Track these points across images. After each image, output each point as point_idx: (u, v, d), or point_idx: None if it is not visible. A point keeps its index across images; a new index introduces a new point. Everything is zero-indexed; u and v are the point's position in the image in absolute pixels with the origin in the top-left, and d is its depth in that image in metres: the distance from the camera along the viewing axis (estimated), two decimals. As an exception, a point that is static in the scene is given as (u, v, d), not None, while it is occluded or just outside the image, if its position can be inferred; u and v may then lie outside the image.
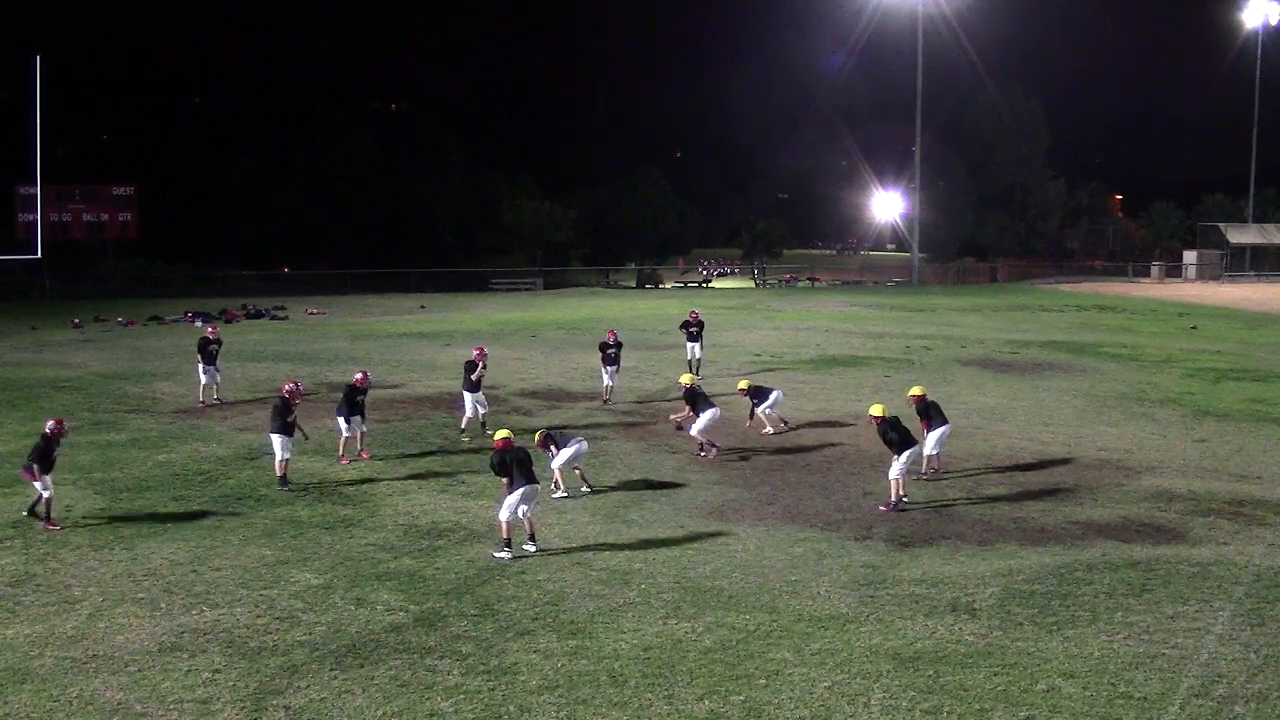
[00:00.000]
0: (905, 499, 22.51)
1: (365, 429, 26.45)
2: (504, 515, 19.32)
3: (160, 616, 16.06)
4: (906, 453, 22.58)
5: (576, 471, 23.38)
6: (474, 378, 28.89)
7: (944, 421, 24.78)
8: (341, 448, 25.91)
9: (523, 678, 14.06)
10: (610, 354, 34.12)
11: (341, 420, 25.84)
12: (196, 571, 18.03)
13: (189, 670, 14.22)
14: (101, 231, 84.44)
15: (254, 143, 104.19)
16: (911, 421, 24.14)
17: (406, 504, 22.28)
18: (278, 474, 23.53)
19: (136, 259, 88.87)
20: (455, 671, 14.24)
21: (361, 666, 14.36)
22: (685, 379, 29.32)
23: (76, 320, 56.71)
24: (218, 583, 17.50)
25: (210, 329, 35.20)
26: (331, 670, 14.23)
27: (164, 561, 18.53)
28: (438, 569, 18.32)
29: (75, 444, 26.42)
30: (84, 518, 21.07)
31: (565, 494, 22.87)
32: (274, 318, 62.90)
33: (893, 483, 22.55)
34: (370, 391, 33.27)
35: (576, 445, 23.21)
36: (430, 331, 53.38)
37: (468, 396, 28.94)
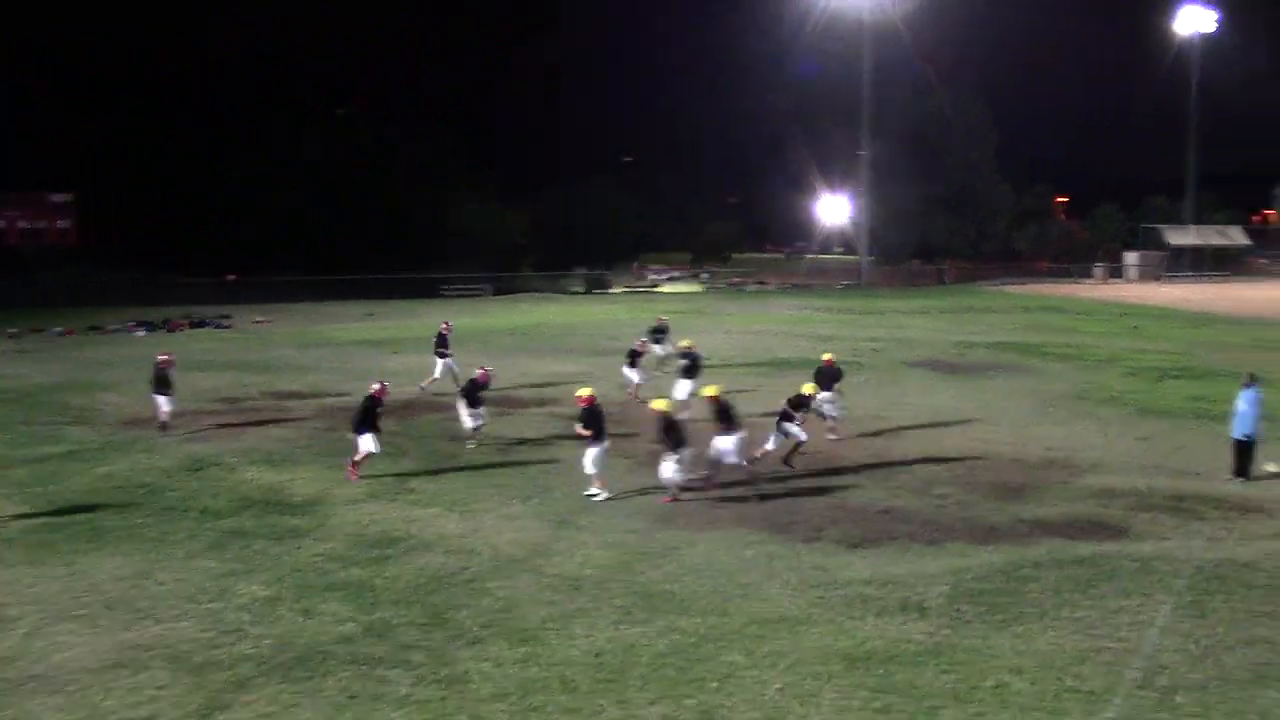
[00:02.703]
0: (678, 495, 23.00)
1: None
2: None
3: (101, 633, 15.81)
4: (680, 453, 22.87)
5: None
6: (479, 394, 28.72)
7: (738, 427, 24.30)
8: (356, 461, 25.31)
9: (474, 686, 13.99)
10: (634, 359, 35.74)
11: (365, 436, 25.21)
12: (139, 586, 17.80)
13: (132, 688, 14.00)
14: (39, 239, 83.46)
15: (200, 148, 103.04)
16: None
17: (355, 513, 22.10)
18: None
19: (76, 267, 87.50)
20: (406, 681, 14.13)
21: (310, 678, 14.23)
22: (711, 391, 26.50)
23: (12, 331, 55.98)
24: (162, 597, 17.28)
25: (163, 358, 32.11)
26: (280, 683, 14.09)
27: (105, 576, 18.26)
28: (387, 578, 18.18)
29: (9, 457, 26.21)
30: (21, 533, 20.75)
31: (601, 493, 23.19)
32: (218, 326, 62.44)
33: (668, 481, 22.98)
34: (318, 400, 33.20)
35: (602, 445, 23.48)
36: (379, 339, 53.22)
37: (466, 408, 28.60)
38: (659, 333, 41.95)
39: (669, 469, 22.77)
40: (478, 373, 29.55)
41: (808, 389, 26.63)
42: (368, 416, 25.13)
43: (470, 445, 28.09)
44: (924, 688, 13.78)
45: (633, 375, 35.71)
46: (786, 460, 26.05)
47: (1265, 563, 18.70)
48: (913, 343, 51.54)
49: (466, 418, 28.33)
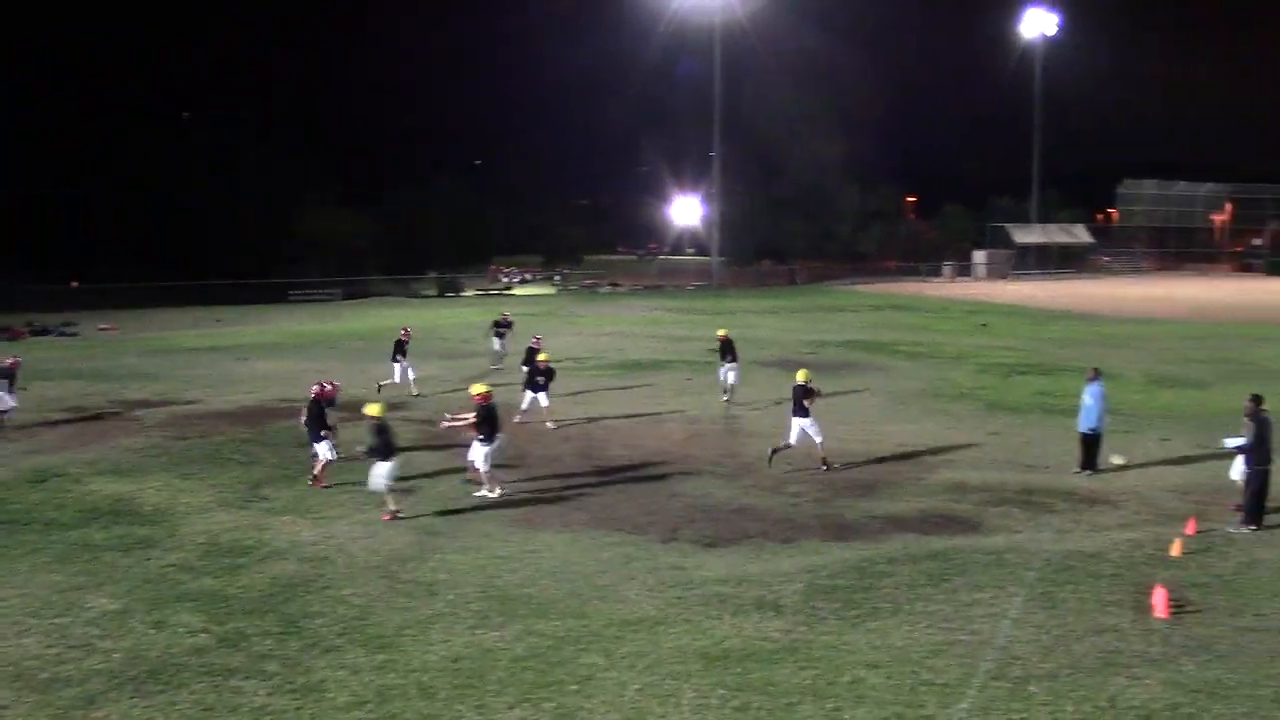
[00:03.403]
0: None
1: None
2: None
3: (-59, 653, 15.26)
4: (494, 444, 23.41)
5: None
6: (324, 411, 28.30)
7: (498, 432, 24.36)
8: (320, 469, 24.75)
9: (331, 694, 13.80)
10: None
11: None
12: (-19, 602, 17.25)
13: (-26, 708, 13.57)
14: None
15: (39, 151, 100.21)
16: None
17: (206, 522, 21.67)
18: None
19: None
20: (261, 692, 13.89)
21: (163, 692, 13.91)
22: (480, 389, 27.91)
23: None
24: (4, 613, 16.69)
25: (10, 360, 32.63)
26: (131, 698, 13.74)
27: (-55, 594, 17.67)
28: (240, 588, 17.85)
29: None
30: None
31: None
32: (62, 334, 60.88)
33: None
34: (167, 408, 32.54)
35: (495, 444, 23.58)
36: (227, 345, 52.32)
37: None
38: (501, 328, 43.13)
39: (378, 477, 22.20)
40: (326, 387, 28.98)
41: (802, 376, 26.85)
42: (319, 421, 24.52)
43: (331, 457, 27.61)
44: (781, 685, 13.89)
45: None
46: (777, 451, 26.70)
47: (1112, 553, 19.21)
48: (764, 342, 51.96)
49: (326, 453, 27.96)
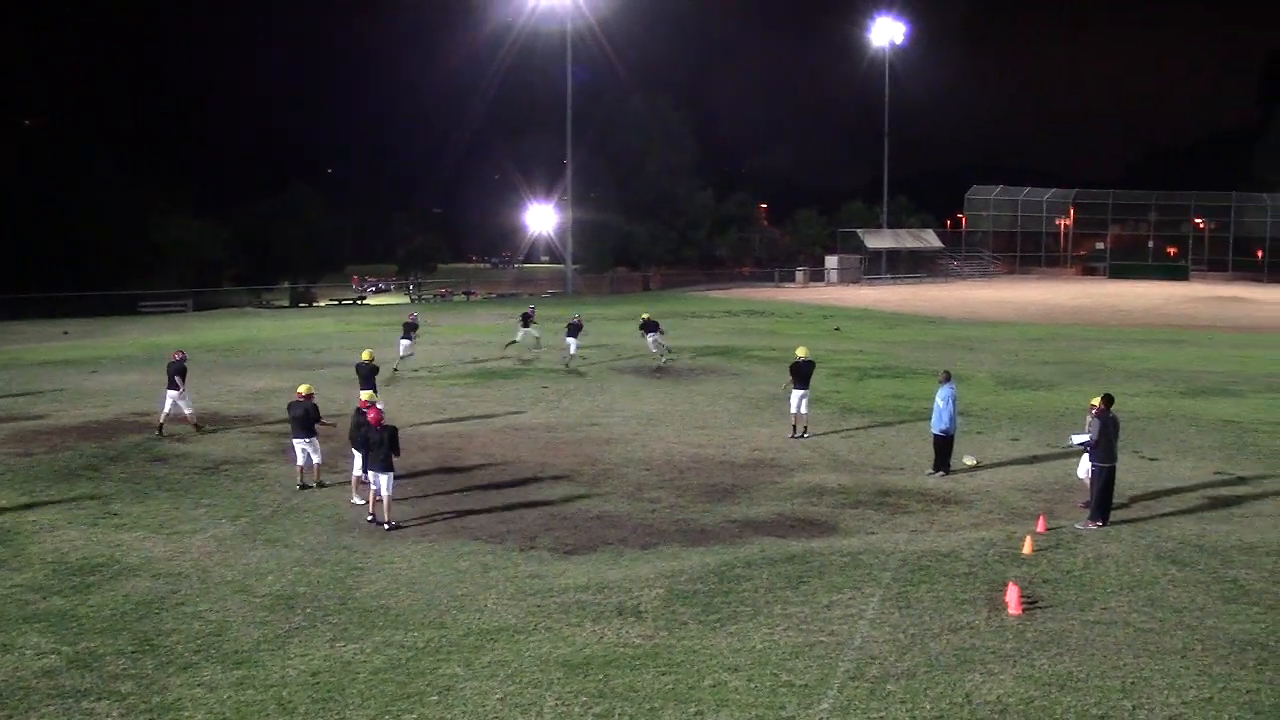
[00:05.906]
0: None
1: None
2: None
3: None
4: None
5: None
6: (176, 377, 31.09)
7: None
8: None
9: (187, 713, 13.54)
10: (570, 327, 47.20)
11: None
12: None
13: None
14: None
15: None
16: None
17: (55, 540, 21.08)
18: None
19: None
20: (114, 713, 13.57)
21: (10, 717, 13.51)
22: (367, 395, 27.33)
23: None
24: None
25: None
26: (-25, 723, 13.38)
27: None
28: (91, 607, 17.42)
29: None
30: None
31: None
32: (-102, 350, 58.91)
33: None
34: (11, 424, 31.67)
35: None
36: (75, 358, 50.95)
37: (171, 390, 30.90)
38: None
39: None
40: (175, 356, 31.66)
41: (801, 352, 31.60)
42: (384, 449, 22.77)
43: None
44: (643, 690, 13.94)
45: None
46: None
47: (965, 552, 19.59)
48: (619, 349, 52.12)
49: (177, 403, 30.79)
